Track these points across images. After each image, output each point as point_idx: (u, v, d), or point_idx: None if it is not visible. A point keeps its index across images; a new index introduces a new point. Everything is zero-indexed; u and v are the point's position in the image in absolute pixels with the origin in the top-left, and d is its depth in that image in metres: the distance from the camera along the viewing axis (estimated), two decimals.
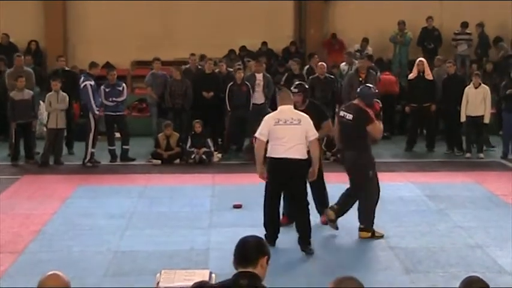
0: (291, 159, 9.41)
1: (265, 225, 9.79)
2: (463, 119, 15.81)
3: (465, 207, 11.76)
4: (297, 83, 10.99)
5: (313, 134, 9.51)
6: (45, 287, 4.21)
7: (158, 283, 6.12)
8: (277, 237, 9.78)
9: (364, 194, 10.09)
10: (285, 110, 9.68)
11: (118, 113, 15.77)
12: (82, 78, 15.46)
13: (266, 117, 9.79)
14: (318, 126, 9.84)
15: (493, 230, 10.48)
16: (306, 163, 9.58)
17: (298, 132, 9.47)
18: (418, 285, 8.33)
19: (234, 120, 16.43)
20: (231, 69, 17.29)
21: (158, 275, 6.37)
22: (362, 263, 9.12)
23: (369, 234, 10.08)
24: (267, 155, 9.66)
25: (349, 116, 10.04)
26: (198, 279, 6.22)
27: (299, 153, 9.45)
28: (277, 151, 9.49)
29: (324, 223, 10.51)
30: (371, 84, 16.32)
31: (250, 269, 4.39)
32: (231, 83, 16.29)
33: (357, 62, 17.51)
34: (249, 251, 4.45)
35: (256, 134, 9.66)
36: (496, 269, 8.86)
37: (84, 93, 15.22)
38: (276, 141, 9.49)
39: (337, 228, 10.27)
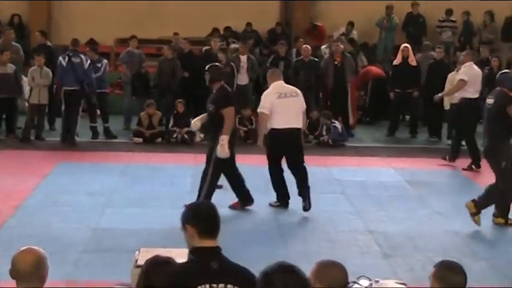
0: (295, 129, 10.35)
1: (276, 189, 10.62)
2: (446, 106, 15.83)
3: (444, 194, 11.84)
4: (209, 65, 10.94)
5: (304, 105, 10.69)
6: (19, 262, 4.20)
7: (137, 261, 6.11)
8: (289, 198, 10.57)
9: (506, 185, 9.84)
10: (282, 85, 10.62)
11: (100, 90, 15.72)
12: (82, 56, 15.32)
13: (266, 93, 10.61)
14: (219, 113, 10.01)
15: (470, 217, 10.53)
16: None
17: (299, 103, 10.48)
18: (396, 269, 8.39)
19: None
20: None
21: (137, 252, 6.35)
22: (341, 247, 9.17)
23: (503, 221, 10.04)
24: (270, 127, 10.33)
25: (491, 101, 10.13)
26: (177, 257, 6.23)
27: (301, 123, 10.46)
28: (282, 122, 10.24)
29: (307, 210, 10.46)
30: (347, 69, 16.49)
31: (215, 243, 4.14)
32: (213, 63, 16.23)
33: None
34: (218, 220, 4.23)
35: (260, 109, 10.42)
36: (472, 255, 8.95)
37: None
38: (282, 113, 10.23)
39: (478, 224, 9.92)
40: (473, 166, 13.52)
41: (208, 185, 10.29)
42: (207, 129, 10.95)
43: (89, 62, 15.09)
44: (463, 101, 13.49)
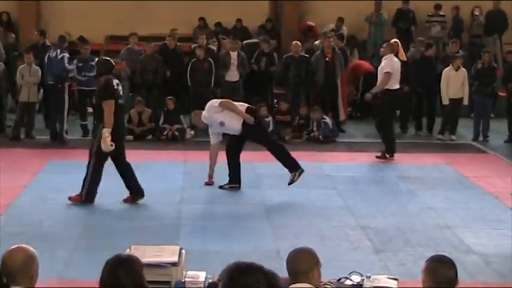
0: None
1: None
2: (445, 102, 15.83)
3: (435, 189, 11.85)
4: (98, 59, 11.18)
5: None
6: (9, 260, 4.17)
7: None
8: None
9: None
10: None
11: (91, 88, 15.66)
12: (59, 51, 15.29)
13: None
14: (101, 106, 10.17)
15: (462, 211, 10.58)
16: None
17: None
18: (388, 264, 8.40)
19: (195, 97, 16.33)
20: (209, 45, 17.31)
21: (128, 250, 6.34)
22: (332, 242, 9.17)
23: None
24: None
25: None
26: (167, 255, 6.22)
27: None
28: None
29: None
30: (337, 65, 16.50)
31: None
32: (194, 59, 16.21)
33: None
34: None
35: None
36: (464, 249, 8.96)
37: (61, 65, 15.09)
38: None
39: None
40: (386, 154, 13.73)
41: (89, 178, 10.41)
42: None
43: (63, 55, 15.02)
44: (384, 91, 13.62)
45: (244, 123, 11.03)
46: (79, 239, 9.06)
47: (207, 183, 11.63)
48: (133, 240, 8.12)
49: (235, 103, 11.39)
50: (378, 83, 13.84)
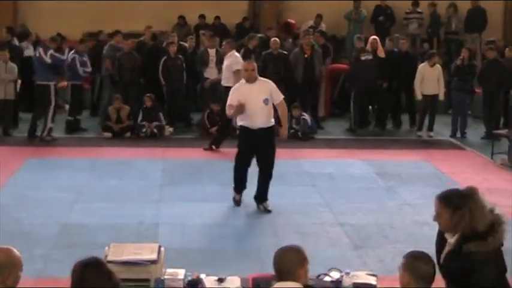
0: None
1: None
2: (419, 96, 15.93)
3: (413, 185, 11.90)
4: None
5: None
6: None
7: (106, 256, 6.09)
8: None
9: None
10: None
11: (82, 83, 15.77)
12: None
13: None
14: None
15: None
16: None
17: None
18: (366, 261, 8.43)
19: (169, 95, 16.28)
20: (183, 42, 17.28)
21: (107, 248, 6.34)
22: (311, 239, 9.18)
23: None
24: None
25: None
26: (146, 252, 6.21)
27: None
28: None
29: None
30: (317, 62, 16.52)
31: None
32: (165, 57, 16.15)
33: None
34: None
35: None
36: None
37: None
38: None
39: None
40: (213, 146, 14.06)
41: None
42: None
43: (37, 52, 15.01)
44: (224, 88, 13.91)
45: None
46: (58, 238, 9.03)
47: None
48: (112, 238, 8.13)
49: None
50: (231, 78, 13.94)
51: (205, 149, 14.08)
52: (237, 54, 14.74)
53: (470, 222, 4.65)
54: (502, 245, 4.79)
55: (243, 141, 10.24)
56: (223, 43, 15.80)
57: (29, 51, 16.67)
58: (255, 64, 10.33)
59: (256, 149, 10.08)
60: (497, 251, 4.73)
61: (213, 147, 14.11)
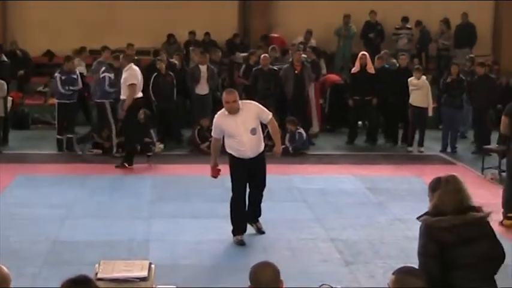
0: None
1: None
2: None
3: (404, 200, 11.90)
4: None
5: None
6: None
7: (97, 273, 6.06)
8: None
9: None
10: None
11: (72, 101, 15.55)
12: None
13: None
14: None
15: None
16: None
17: None
18: (357, 276, 8.42)
19: (160, 111, 16.23)
20: (172, 59, 17.26)
21: (97, 265, 6.31)
22: (302, 254, 9.17)
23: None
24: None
25: None
26: (137, 269, 6.19)
27: None
28: None
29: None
30: (306, 77, 16.58)
31: None
32: (155, 73, 16.12)
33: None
34: None
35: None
36: None
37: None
38: None
39: None
40: (125, 164, 13.84)
41: None
42: None
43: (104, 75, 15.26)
44: (128, 101, 13.77)
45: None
46: (47, 255, 8.98)
47: None
48: (102, 255, 8.10)
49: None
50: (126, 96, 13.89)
51: (117, 167, 13.82)
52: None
53: (434, 202, 5.42)
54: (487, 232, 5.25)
55: (236, 169, 9.51)
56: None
57: None
58: (236, 94, 9.39)
59: (249, 173, 9.60)
60: (462, 230, 5.20)
61: (126, 164, 13.85)
